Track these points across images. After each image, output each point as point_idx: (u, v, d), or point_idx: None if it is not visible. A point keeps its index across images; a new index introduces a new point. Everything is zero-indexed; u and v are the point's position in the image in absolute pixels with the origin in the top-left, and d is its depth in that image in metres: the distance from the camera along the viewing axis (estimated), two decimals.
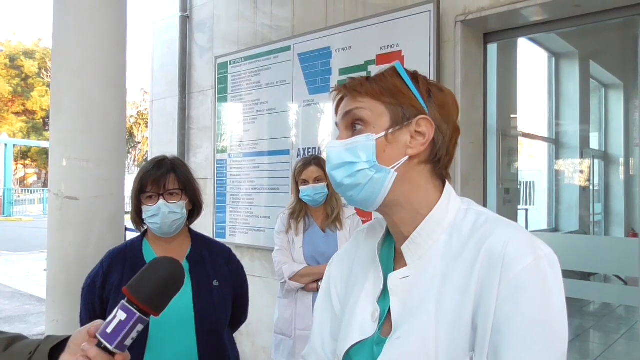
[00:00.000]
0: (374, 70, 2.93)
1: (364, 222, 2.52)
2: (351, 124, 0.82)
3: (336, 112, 0.86)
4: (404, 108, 0.80)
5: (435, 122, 0.80)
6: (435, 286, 0.75)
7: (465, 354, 0.71)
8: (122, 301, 0.78)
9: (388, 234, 0.89)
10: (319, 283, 2.18)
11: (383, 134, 0.79)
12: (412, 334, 0.74)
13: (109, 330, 0.77)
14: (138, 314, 0.77)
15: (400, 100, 0.80)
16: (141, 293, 0.78)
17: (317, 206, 2.46)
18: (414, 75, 0.83)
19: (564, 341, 0.69)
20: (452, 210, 0.81)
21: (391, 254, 0.87)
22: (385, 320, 0.81)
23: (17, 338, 0.86)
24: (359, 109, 0.81)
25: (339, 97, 0.86)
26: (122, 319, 0.77)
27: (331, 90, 0.85)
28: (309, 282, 2.36)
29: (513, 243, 0.71)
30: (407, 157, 0.80)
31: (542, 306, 0.68)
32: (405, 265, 0.81)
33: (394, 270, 0.83)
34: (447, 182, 0.84)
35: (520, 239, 0.72)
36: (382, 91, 0.80)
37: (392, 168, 0.79)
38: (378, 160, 0.79)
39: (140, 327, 0.78)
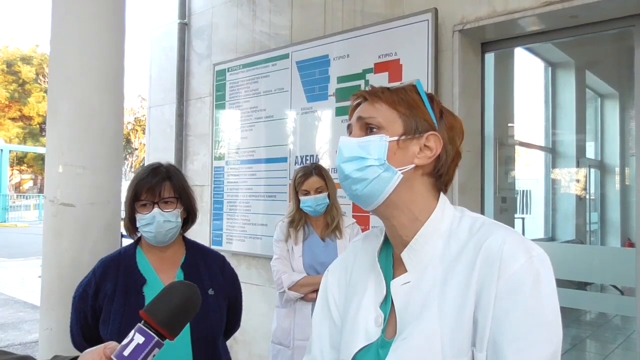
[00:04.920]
0: (372, 79, 2.94)
1: (363, 231, 2.51)
2: (366, 127, 0.87)
3: (350, 115, 0.92)
4: (417, 121, 0.86)
5: (443, 141, 0.87)
6: (437, 288, 0.80)
7: (468, 349, 0.75)
8: (139, 324, 0.79)
9: (385, 242, 0.92)
10: None
11: (396, 138, 0.85)
12: (418, 333, 0.78)
13: (126, 352, 0.76)
14: (156, 337, 0.78)
15: (415, 113, 0.86)
16: (159, 316, 0.79)
17: (318, 216, 2.45)
18: (431, 96, 0.90)
19: (559, 330, 0.74)
20: (447, 217, 0.86)
21: (389, 261, 0.90)
22: (388, 324, 0.85)
23: (24, 358, 0.85)
24: (375, 117, 0.86)
25: (356, 102, 0.91)
26: (140, 342, 0.77)
27: (352, 96, 0.92)
28: (309, 292, 2.34)
29: (508, 244, 0.77)
30: (413, 165, 0.85)
31: (537, 300, 0.73)
32: (405, 271, 0.85)
33: (394, 276, 0.87)
34: (441, 193, 0.89)
35: (515, 240, 0.78)
36: (399, 101, 0.87)
37: (399, 170, 0.84)
38: (388, 160, 0.84)
39: (157, 351, 0.78)
